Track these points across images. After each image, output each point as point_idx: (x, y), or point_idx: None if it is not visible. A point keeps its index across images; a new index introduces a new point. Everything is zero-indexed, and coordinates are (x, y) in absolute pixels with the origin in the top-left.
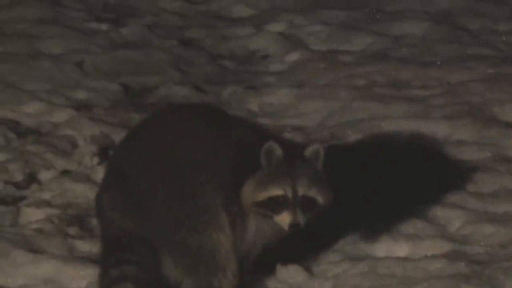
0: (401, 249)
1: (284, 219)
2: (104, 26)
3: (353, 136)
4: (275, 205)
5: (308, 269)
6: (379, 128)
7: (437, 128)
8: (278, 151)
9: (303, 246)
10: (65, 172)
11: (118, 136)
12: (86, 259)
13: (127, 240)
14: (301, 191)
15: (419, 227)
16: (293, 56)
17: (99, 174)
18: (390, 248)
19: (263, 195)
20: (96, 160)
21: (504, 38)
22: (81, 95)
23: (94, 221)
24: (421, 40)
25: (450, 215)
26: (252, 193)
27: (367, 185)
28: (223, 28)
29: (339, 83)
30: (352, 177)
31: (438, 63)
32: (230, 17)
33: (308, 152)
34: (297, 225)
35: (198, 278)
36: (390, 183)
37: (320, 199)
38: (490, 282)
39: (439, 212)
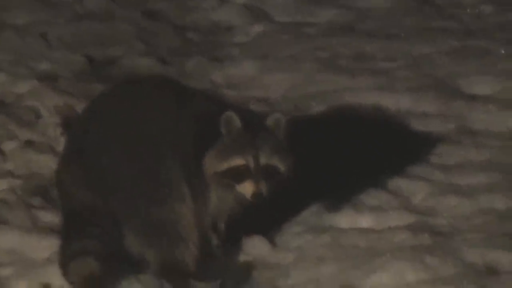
0: (365, 221)
1: (246, 188)
2: None
3: (317, 108)
4: (237, 174)
5: (271, 241)
6: (343, 100)
7: (401, 101)
8: (237, 120)
9: (266, 218)
10: (29, 143)
11: (81, 107)
12: (49, 230)
13: (88, 214)
14: (263, 160)
15: (383, 199)
16: (257, 28)
17: (62, 144)
18: (353, 219)
19: (225, 165)
20: (59, 130)
21: (468, 11)
22: (45, 66)
23: (57, 193)
24: (386, 13)
25: (414, 187)
26: (214, 163)
27: (331, 156)
28: (187, 0)
29: (303, 55)
30: (316, 149)
31: (403, 35)
32: None
33: (269, 121)
34: (260, 194)
35: (160, 250)
36: (354, 155)
37: (282, 167)
38: (453, 254)
39: (403, 184)
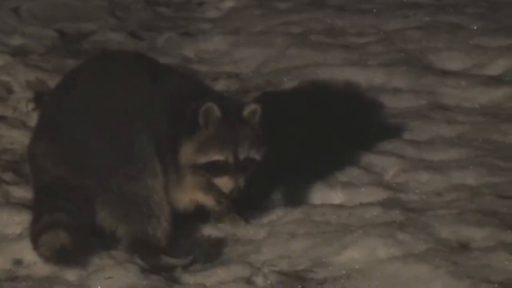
0: (337, 197)
1: (225, 183)
2: None
3: (288, 83)
4: (216, 169)
5: (243, 216)
6: (315, 75)
7: (373, 76)
8: (217, 112)
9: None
10: (1, 118)
11: (53, 82)
12: (21, 205)
13: (60, 188)
14: (242, 155)
15: (354, 175)
16: (229, 3)
17: (35, 120)
18: (325, 195)
19: (203, 159)
20: (31, 106)
21: None
22: (16, 41)
23: (29, 168)
24: None
25: (386, 163)
26: (192, 155)
27: (303, 132)
28: None
29: (275, 30)
30: (288, 124)
31: (374, 10)
32: None
33: (246, 112)
34: (238, 188)
35: (132, 225)
36: (326, 130)
37: (258, 157)
38: (425, 230)
39: (374, 160)
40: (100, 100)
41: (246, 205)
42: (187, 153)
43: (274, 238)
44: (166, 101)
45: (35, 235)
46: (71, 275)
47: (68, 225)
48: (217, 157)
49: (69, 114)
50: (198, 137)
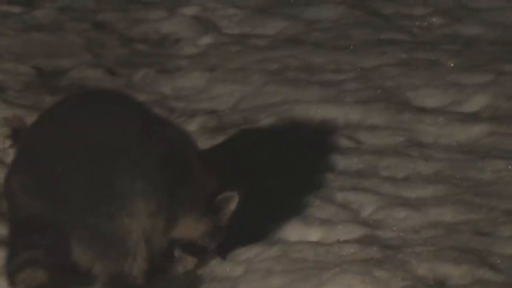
0: (314, 234)
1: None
2: (17, 9)
3: (265, 120)
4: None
5: (220, 253)
6: (292, 112)
7: (350, 113)
8: (234, 203)
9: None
10: None
11: (30, 118)
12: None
13: (36, 224)
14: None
15: (331, 212)
16: (206, 40)
17: (11, 156)
18: (302, 232)
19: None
20: (8, 142)
21: (417, 23)
22: None
23: (6, 204)
24: (334, 24)
25: (363, 200)
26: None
27: (280, 169)
28: (136, 11)
29: (252, 67)
30: (265, 161)
31: (351, 47)
32: (142, 0)
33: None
34: None
35: (109, 263)
36: (303, 167)
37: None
38: (402, 267)
39: (351, 197)
40: (82, 137)
41: (224, 241)
42: (190, 226)
43: (251, 275)
44: (163, 150)
45: (12, 272)
46: None
47: (46, 263)
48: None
49: (49, 148)
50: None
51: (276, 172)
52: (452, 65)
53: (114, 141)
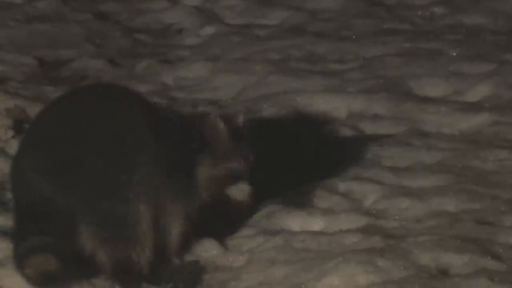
0: (316, 223)
1: (243, 191)
2: (18, 0)
3: (268, 110)
4: (232, 178)
5: (222, 243)
6: (295, 102)
7: (352, 102)
8: (221, 123)
9: (217, 220)
10: None
11: (32, 109)
12: (1, 233)
13: (45, 209)
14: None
15: (334, 201)
16: (208, 30)
17: (14, 147)
18: (305, 222)
19: (222, 171)
20: (11, 133)
21: (419, 13)
22: None
23: (9, 195)
24: (337, 15)
25: (366, 190)
26: (209, 169)
27: (283, 159)
28: (138, 2)
29: (254, 57)
30: (267, 151)
31: (354, 37)
32: None
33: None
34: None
35: (116, 250)
36: (305, 157)
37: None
38: (405, 256)
39: (354, 186)
40: (101, 125)
41: (227, 232)
42: (204, 169)
43: (254, 265)
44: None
45: (22, 255)
46: None
47: (55, 248)
48: (234, 165)
49: (64, 132)
50: (209, 152)
51: (279, 162)
52: (454, 54)
53: (133, 133)
